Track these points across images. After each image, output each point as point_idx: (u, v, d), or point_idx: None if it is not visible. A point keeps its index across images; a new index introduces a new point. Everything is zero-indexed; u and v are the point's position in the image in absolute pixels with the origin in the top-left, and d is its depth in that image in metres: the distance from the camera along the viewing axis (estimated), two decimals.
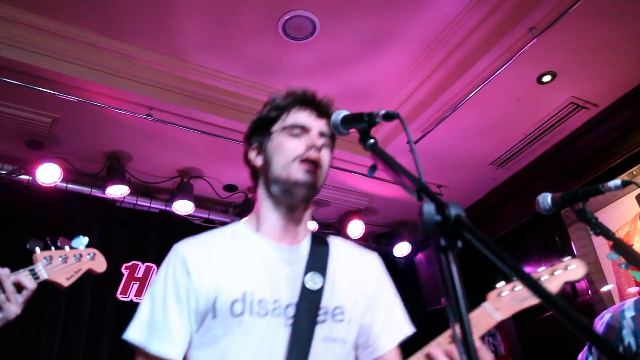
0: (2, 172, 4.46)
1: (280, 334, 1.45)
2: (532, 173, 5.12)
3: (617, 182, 1.62)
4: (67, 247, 2.12)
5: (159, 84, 4.13)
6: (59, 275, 2.06)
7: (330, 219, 5.85)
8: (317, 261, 1.59)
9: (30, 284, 1.91)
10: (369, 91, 4.35)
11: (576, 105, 4.40)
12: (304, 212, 1.64)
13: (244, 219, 1.70)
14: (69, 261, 2.10)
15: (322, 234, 1.71)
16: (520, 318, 5.14)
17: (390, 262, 6.21)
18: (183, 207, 4.96)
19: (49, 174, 4.36)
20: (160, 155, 4.80)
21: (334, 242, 1.71)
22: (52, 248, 2.09)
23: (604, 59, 3.92)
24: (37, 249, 2.04)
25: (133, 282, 4.86)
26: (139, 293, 4.84)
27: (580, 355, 2.58)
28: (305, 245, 1.63)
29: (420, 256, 5.87)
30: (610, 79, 4.15)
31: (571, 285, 2.25)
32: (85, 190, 4.79)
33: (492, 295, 1.44)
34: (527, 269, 5.18)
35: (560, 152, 4.89)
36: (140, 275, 4.92)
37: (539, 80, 4.10)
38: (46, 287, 4.22)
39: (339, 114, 1.43)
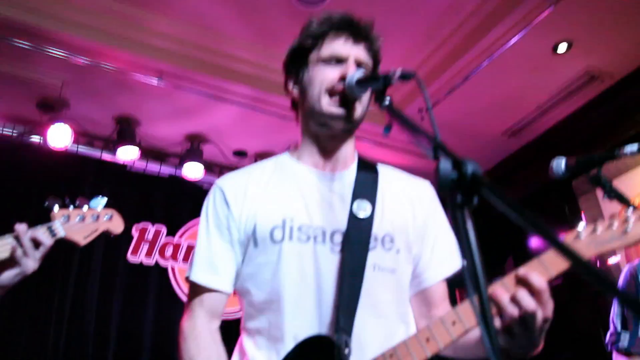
0: (14, 133, 4.48)
1: (327, 261, 1.42)
2: (543, 144, 5.08)
3: (633, 147, 1.60)
4: (85, 207, 2.13)
5: (169, 48, 4.11)
6: (76, 233, 2.07)
7: None
8: (365, 188, 1.54)
9: (47, 240, 1.92)
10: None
11: (591, 76, 4.34)
12: (346, 141, 1.59)
13: (287, 151, 1.67)
14: (87, 221, 2.11)
15: (370, 161, 1.64)
16: None
17: None
18: (193, 171, 4.97)
19: (60, 136, 4.37)
20: (170, 120, 4.79)
21: (383, 169, 1.64)
22: (71, 207, 2.11)
23: (620, 29, 3.84)
24: (55, 207, 2.05)
25: (143, 244, 4.92)
26: (149, 254, 4.91)
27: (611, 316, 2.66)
28: (351, 172, 1.58)
29: None
30: (626, 49, 4.08)
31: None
32: (96, 153, 4.81)
33: (569, 237, 1.31)
34: (537, 240, 5.18)
35: (574, 123, 4.83)
36: (150, 237, 4.97)
37: (554, 50, 4.04)
38: (57, 249, 4.29)
39: (353, 76, 1.42)
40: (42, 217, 2.01)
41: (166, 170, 5.16)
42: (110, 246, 4.73)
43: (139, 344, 4.55)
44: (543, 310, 1.19)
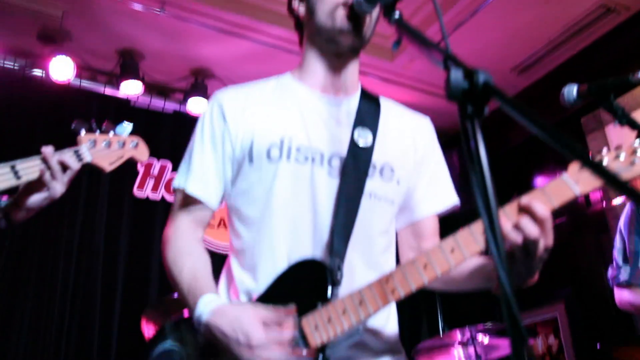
0: (15, 66, 4.42)
1: (323, 184, 1.42)
2: (554, 81, 4.98)
3: None
4: (111, 133, 2.11)
5: None
6: (103, 159, 2.06)
7: None
8: (367, 117, 1.52)
9: (74, 164, 1.92)
10: None
11: (606, 8, 4.21)
12: (351, 64, 1.56)
13: (289, 72, 1.64)
14: (113, 147, 2.10)
15: (373, 93, 1.62)
16: None
17: None
18: (197, 106, 4.93)
19: (62, 69, 4.31)
20: (173, 53, 4.71)
21: (385, 102, 1.63)
22: (97, 132, 2.09)
23: None
24: (82, 131, 2.04)
25: (149, 179, 4.95)
26: (154, 189, 4.94)
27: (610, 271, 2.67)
28: (354, 100, 1.56)
29: None
30: None
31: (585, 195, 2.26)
32: (99, 88, 4.76)
33: (573, 167, 1.27)
34: (543, 179, 5.18)
35: (586, 58, 4.72)
36: (155, 172, 4.99)
37: None
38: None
39: None
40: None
41: (170, 106, 5.12)
42: (115, 181, 4.76)
43: (147, 277, 4.64)
44: (545, 238, 1.18)
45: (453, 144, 5.88)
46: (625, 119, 1.42)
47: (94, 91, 4.77)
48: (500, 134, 5.47)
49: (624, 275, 2.55)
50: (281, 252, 1.39)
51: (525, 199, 1.22)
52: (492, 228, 0.82)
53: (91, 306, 4.32)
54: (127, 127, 2.17)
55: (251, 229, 1.45)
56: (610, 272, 2.64)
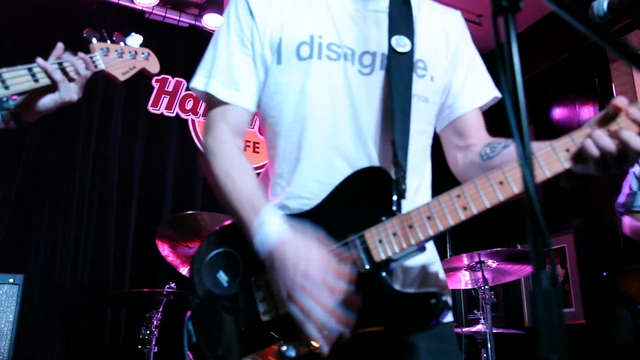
0: None
1: (358, 82, 1.37)
2: (581, 4, 4.79)
3: None
4: (122, 43, 2.08)
5: None
6: (116, 68, 2.04)
7: None
8: (401, 22, 1.44)
9: (87, 69, 1.89)
10: None
11: None
12: None
13: None
14: (125, 57, 2.07)
15: None
16: None
17: None
18: (213, 20, 4.82)
19: None
20: None
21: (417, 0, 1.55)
22: (108, 41, 2.06)
23: None
24: (94, 40, 2.00)
25: (163, 96, 4.92)
26: (169, 107, 4.92)
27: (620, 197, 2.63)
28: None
29: None
30: None
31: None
32: None
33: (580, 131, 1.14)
34: (561, 110, 5.09)
35: None
36: (170, 89, 4.96)
37: None
38: (75, 105, 4.30)
39: None
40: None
41: (186, 20, 5.01)
42: (130, 97, 4.75)
43: (161, 190, 4.71)
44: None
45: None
46: None
47: (108, 0, 4.66)
48: (523, 61, 5.32)
49: (639, 201, 2.53)
50: (326, 156, 1.34)
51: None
52: (520, 127, 0.80)
53: (106, 222, 4.41)
54: (137, 38, 2.14)
55: (286, 134, 1.39)
56: (620, 199, 2.60)
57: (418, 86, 1.40)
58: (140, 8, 4.71)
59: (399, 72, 1.37)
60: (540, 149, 1.15)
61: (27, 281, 3.49)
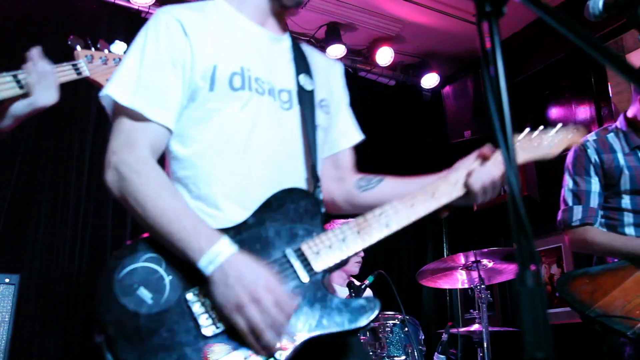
0: None
1: (280, 116, 1.51)
2: (577, 3, 4.80)
3: None
4: (106, 50, 2.10)
5: None
6: (100, 75, 2.06)
7: (359, 45, 5.68)
8: (303, 62, 1.63)
9: (70, 76, 1.91)
10: None
11: None
12: (291, 10, 1.63)
13: None
14: (109, 64, 2.09)
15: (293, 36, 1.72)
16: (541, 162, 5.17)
17: (416, 94, 6.15)
18: None
19: None
20: None
21: (303, 45, 1.73)
22: (93, 49, 2.08)
23: None
24: (78, 47, 2.03)
25: None
26: None
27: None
28: (287, 40, 1.65)
29: (447, 89, 5.76)
30: None
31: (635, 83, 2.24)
32: None
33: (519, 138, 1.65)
34: (557, 110, 5.09)
35: None
36: None
37: None
38: (73, 102, 4.30)
39: None
40: (55, 60, 1.97)
41: None
42: None
43: None
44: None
45: (468, 70, 5.78)
46: None
47: (104, 0, 4.66)
48: (515, 63, 5.35)
49: (578, 215, 2.54)
50: (252, 180, 1.43)
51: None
52: (504, 131, 0.81)
53: (103, 221, 4.39)
54: (121, 45, 2.16)
55: (209, 157, 1.42)
56: (560, 215, 2.62)
57: (320, 119, 1.60)
58: (137, 7, 4.70)
59: (309, 107, 1.56)
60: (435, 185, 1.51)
61: (23, 281, 3.49)
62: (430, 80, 5.87)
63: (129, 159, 1.34)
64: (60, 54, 2.00)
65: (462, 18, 5.11)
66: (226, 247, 1.25)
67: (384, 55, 5.52)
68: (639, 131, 2.56)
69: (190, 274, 1.26)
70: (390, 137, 5.86)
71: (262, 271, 1.24)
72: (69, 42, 2.03)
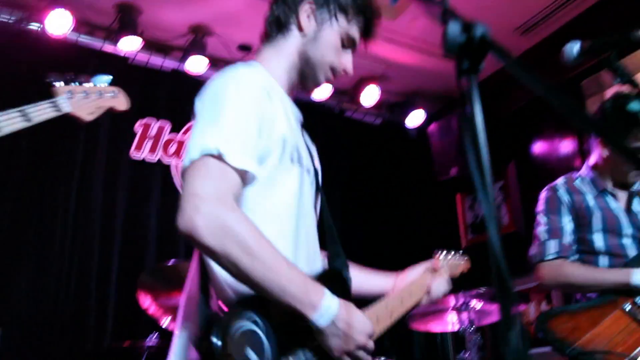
0: (11, 19, 4.33)
1: (313, 193, 1.65)
2: (556, 42, 4.89)
3: None
4: (88, 84, 2.10)
5: None
6: (81, 109, 2.06)
7: (345, 84, 5.75)
8: (309, 149, 1.72)
9: (51, 115, 1.92)
10: None
11: None
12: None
13: (256, 63, 1.65)
14: (91, 97, 2.09)
15: None
16: (526, 190, 5.20)
17: (402, 133, 6.20)
18: (196, 64, 4.86)
19: (59, 23, 4.23)
20: (172, 8, 4.62)
21: None
22: (73, 84, 2.08)
23: None
24: (58, 84, 2.03)
25: (147, 140, 4.90)
26: (152, 150, 4.89)
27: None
28: (295, 107, 1.73)
29: (433, 127, 5.82)
30: None
31: (602, 139, 2.32)
32: (97, 44, 4.68)
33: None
34: (541, 145, 5.15)
35: (590, 19, 4.62)
36: (153, 133, 4.94)
37: None
38: (59, 146, 4.29)
39: None
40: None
41: (169, 64, 5.04)
42: (113, 142, 4.73)
43: (144, 238, 4.64)
44: None
45: (453, 107, 5.85)
46: (625, 78, 1.40)
47: (91, 47, 4.69)
48: (499, 98, 5.42)
49: (552, 248, 2.54)
50: (299, 255, 1.52)
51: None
52: (484, 185, 0.81)
53: (87, 271, 4.31)
54: (104, 78, 2.17)
55: (258, 219, 1.38)
56: (533, 250, 2.63)
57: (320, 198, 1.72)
58: (124, 54, 4.74)
59: (322, 186, 1.71)
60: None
61: (5, 332, 3.41)
62: (415, 119, 5.93)
63: (226, 208, 1.29)
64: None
65: (446, 57, 5.18)
66: (332, 301, 1.35)
67: (370, 95, 5.58)
68: (603, 175, 2.64)
69: (283, 340, 1.33)
70: (377, 176, 5.88)
71: (361, 318, 1.41)
72: (48, 80, 2.04)
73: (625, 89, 1.35)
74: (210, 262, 1.39)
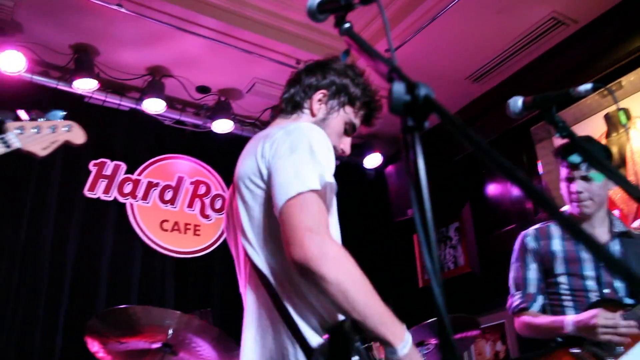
0: None
1: None
2: (506, 89, 5.10)
3: (587, 86, 1.62)
4: (41, 119, 2.07)
5: None
6: (33, 144, 2.01)
7: None
8: None
9: None
10: None
11: (557, 20, 4.34)
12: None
13: (308, 115, 1.87)
14: (43, 132, 2.05)
15: None
16: (481, 231, 5.31)
17: (360, 174, 6.27)
18: (153, 106, 4.85)
19: (12, 63, 4.17)
20: (130, 50, 4.63)
21: None
22: (25, 120, 2.05)
23: None
24: (8, 120, 1.99)
25: (101, 180, 4.81)
26: (106, 191, 4.80)
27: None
28: None
29: (390, 168, 5.92)
30: None
31: (533, 202, 2.42)
32: (52, 83, 4.62)
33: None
34: (495, 187, 5.29)
35: (538, 68, 4.85)
36: (108, 172, 4.86)
37: None
38: (8, 183, 4.18)
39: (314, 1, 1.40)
40: None
41: (126, 103, 5.01)
42: (66, 181, 4.63)
43: (96, 279, 4.51)
44: None
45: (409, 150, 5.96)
46: (565, 131, 1.47)
47: (46, 86, 4.62)
48: (454, 142, 5.55)
49: (517, 301, 2.67)
50: None
51: None
52: (428, 241, 0.84)
53: (34, 312, 4.15)
54: (58, 113, 2.14)
55: None
56: (508, 303, 2.74)
57: None
58: (80, 93, 4.69)
59: None
60: None
61: None
62: (373, 160, 6.02)
63: (330, 240, 1.46)
64: None
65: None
66: (409, 335, 1.46)
67: None
68: (578, 221, 2.69)
69: None
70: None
71: (416, 350, 1.48)
72: None
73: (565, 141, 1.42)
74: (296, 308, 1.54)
